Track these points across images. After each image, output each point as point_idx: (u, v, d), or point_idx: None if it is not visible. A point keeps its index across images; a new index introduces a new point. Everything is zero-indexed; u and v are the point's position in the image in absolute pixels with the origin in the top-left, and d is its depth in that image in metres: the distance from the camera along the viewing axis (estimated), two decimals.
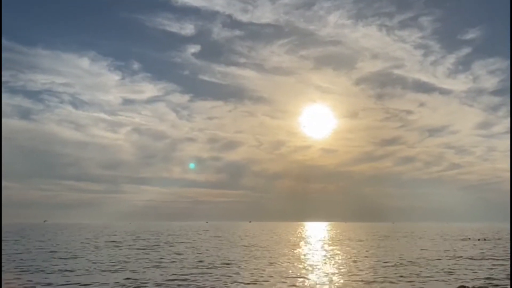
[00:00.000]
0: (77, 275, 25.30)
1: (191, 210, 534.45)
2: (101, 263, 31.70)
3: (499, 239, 69.24)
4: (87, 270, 27.70)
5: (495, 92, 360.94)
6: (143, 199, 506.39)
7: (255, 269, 28.08)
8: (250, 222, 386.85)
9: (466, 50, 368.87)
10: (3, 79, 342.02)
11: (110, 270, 27.50)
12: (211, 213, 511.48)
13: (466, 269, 28.64)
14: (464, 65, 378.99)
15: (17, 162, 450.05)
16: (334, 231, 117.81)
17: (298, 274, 26.15)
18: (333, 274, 26.22)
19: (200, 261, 32.73)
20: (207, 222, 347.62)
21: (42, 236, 78.99)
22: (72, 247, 48.74)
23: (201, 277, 24.60)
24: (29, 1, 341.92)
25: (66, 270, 27.37)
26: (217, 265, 30.05)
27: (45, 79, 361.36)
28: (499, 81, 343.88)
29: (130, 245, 52.93)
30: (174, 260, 34.06)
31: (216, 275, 25.26)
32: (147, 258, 35.13)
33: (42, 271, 27.18)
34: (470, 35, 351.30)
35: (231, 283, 22.33)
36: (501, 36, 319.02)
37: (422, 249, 45.62)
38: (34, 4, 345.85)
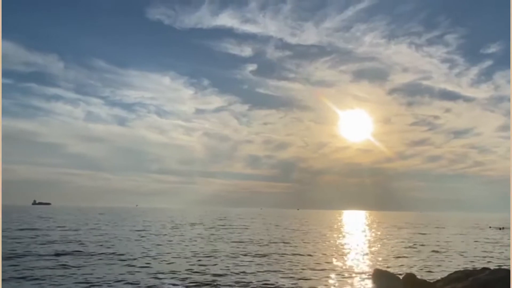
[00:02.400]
0: None
1: (248, 199, 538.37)
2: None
3: None
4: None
5: None
6: (210, 189, 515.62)
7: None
8: (298, 209, 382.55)
9: (488, 63, 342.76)
10: (105, 94, 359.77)
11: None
12: (264, 201, 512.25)
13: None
14: (486, 75, 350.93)
15: (116, 159, 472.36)
16: (379, 220, 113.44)
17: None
18: None
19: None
20: (261, 209, 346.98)
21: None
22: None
23: None
24: (123, 31, 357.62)
25: None
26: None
27: (136, 94, 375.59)
28: None
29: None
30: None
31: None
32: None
33: None
34: (492, 49, 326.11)
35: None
36: None
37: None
38: (127, 34, 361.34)
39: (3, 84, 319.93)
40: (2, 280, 13.93)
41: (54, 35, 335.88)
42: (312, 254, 23.30)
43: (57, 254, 20.38)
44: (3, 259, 18.20)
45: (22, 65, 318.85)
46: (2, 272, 15.23)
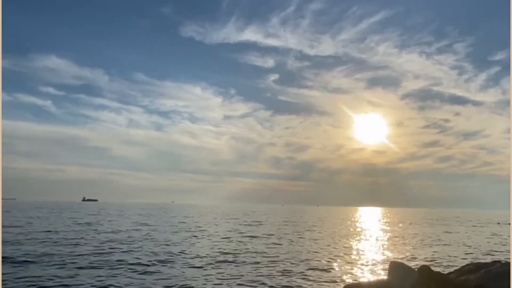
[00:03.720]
0: None
1: (271, 196, 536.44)
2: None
3: None
4: None
5: None
6: (238, 187, 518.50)
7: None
8: (317, 206, 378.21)
9: (495, 69, 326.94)
10: (144, 103, 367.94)
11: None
12: (286, 198, 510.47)
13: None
14: (493, 81, 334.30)
15: (154, 161, 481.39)
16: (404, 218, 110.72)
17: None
18: None
19: None
20: (282, 205, 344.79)
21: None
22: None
23: None
24: (159, 48, 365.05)
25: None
26: None
27: (171, 103, 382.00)
28: None
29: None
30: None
31: None
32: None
33: None
34: (499, 56, 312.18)
35: None
36: None
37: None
38: (163, 50, 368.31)
39: (58, 96, 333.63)
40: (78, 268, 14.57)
41: (100, 52, 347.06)
42: (333, 245, 23.20)
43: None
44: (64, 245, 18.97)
45: (73, 79, 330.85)
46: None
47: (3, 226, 30.94)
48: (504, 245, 27.06)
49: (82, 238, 24.13)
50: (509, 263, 10.87)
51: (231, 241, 24.60)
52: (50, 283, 11.90)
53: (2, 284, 11.50)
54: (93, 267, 14.52)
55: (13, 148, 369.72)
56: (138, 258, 16.68)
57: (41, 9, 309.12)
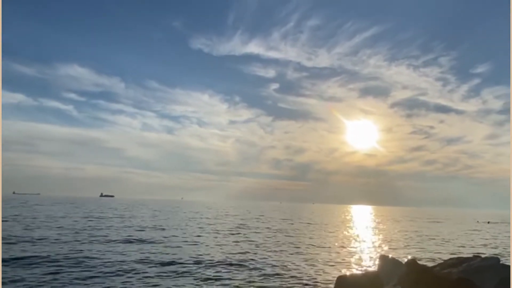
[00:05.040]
0: None
1: (271, 194, 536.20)
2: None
3: (502, 222, 60.59)
4: None
5: (500, 112, 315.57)
6: (241, 186, 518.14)
7: None
8: (313, 204, 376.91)
9: (476, 81, 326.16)
10: (157, 109, 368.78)
11: None
12: (284, 196, 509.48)
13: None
14: (475, 92, 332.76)
15: (166, 161, 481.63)
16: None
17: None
18: None
19: None
20: (280, 203, 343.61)
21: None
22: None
23: None
24: (171, 58, 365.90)
25: None
26: None
27: (181, 108, 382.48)
28: (503, 103, 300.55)
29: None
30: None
31: None
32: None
33: None
34: (480, 69, 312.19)
35: None
36: (504, 68, 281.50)
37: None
38: (174, 60, 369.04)
39: (79, 101, 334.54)
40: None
41: (117, 62, 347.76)
42: (328, 241, 23.10)
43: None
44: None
45: (93, 86, 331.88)
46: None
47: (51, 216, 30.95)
48: (484, 241, 26.92)
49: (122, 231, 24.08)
50: (489, 257, 10.84)
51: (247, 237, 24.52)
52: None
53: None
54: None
55: (37, 148, 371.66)
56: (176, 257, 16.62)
57: (64, 22, 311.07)
